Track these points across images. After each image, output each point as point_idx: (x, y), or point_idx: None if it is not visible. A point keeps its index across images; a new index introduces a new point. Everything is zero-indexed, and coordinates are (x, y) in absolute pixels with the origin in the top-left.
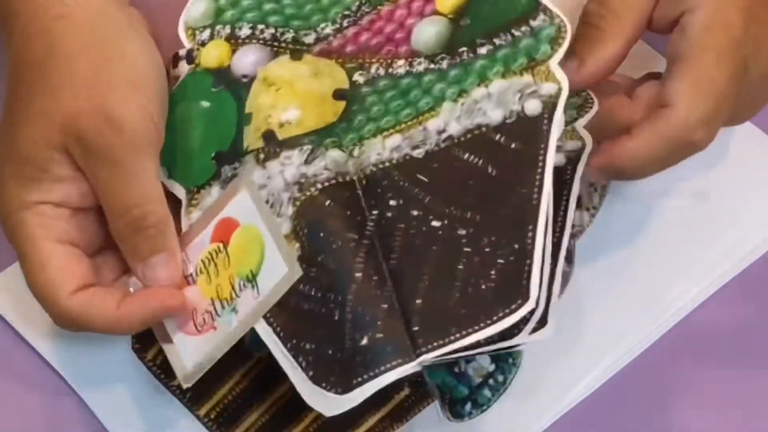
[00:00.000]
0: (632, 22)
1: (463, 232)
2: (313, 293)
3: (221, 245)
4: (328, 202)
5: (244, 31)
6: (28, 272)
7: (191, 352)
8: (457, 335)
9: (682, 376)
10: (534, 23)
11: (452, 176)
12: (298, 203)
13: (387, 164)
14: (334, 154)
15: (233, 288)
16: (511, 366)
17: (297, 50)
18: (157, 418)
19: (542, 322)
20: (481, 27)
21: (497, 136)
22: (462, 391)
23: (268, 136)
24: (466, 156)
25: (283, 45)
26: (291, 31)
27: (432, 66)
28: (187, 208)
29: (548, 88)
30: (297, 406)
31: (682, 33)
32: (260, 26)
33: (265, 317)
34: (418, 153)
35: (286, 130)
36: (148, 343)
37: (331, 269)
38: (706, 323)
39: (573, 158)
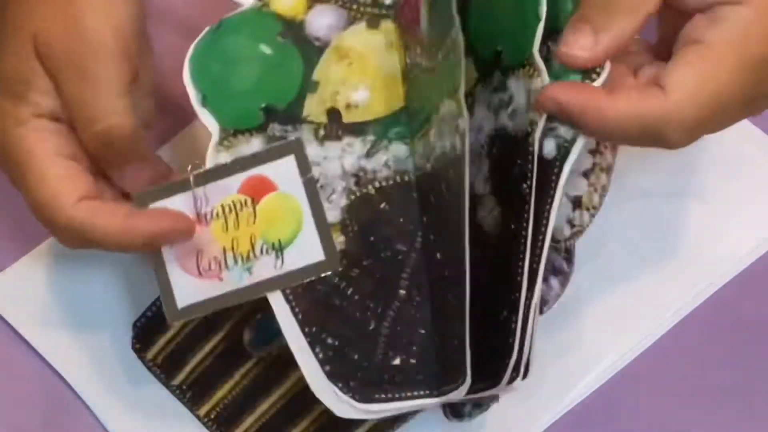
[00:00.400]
0: None
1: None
2: (350, 293)
3: (249, 200)
4: (383, 205)
5: None
6: (30, 188)
7: (187, 292)
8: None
9: (682, 376)
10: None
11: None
12: (353, 197)
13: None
14: (397, 148)
15: (253, 248)
16: None
17: (374, 16)
18: (157, 418)
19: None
20: (436, 34)
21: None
22: None
23: (334, 115)
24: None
25: (362, 8)
26: None
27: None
28: (216, 146)
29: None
30: (297, 406)
31: (713, 21)
32: None
33: (284, 293)
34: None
35: (352, 113)
36: (148, 343)
37: (376, 278)
38: (705, 323)
39: (563, 153)
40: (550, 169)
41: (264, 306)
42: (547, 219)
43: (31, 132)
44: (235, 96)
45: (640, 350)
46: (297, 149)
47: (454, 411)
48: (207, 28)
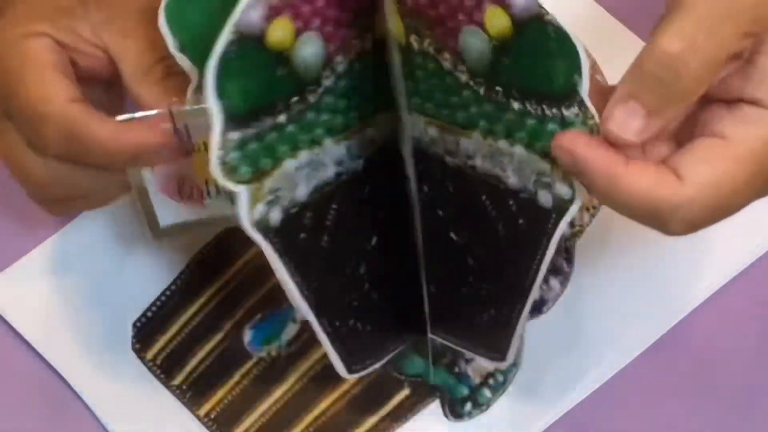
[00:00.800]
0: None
1: (471, 261)
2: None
3: None
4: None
5: None
6: (29, 84)
7: (169, 213)
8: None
9: (682, 376)
10: (566, 113)
11: (472, 206)
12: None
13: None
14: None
15: None
16: (511, 366)
17: None
18: (157, 418)
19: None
20: (518, 79)
21: (511, 202)
22: (462, 390)
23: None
24: (484, 198)
25: None
26: None
27: (471, 83)
28: (195, 89)
29: (563, 189)
30: (297, 406)
31: (738, 119)
32: None
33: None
34: (451, 162)
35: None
36: (148, 343)
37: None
38: (705, 323)
39: (559, 208)
40: (545, 218)
41: (264, 306)
42: (538, 267)
43: (39, 44)
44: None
45: (640, 350)
46: None
47: (454, 411)
48: None
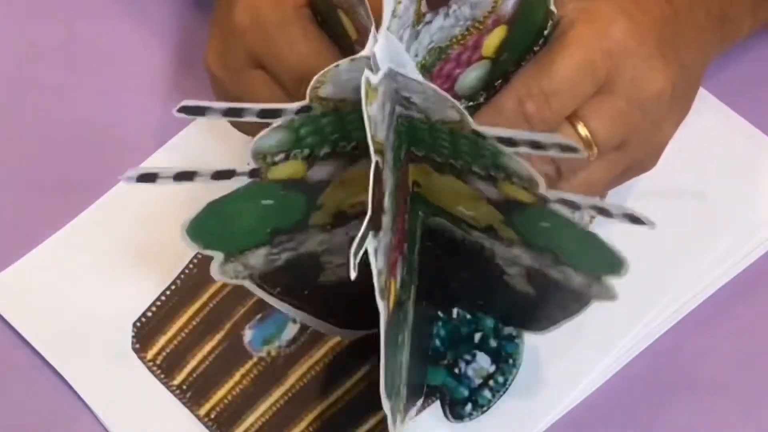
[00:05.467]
0: None
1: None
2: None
3: None
4: None
5: (324, 150)
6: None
7: None
8: None
9: (682, 376)
10: (546, 33)
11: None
12: None
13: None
14: None
15: None
16: (511, 367)
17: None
18: (157, 418)
19: None
20: (515, 55)
21: None
22: (462, 392)
23: (339, 215)
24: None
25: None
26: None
27: (471, 104)
28: (221, 265)
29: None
30: (297, 406)
31: None
32: (342, 143)
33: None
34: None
35: (357, 208)
36: (148, 343)
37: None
38: (705, 323)
39: None
40: None
41: (264, 306)
42: None
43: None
44: (238, 235)
45: (639, 350)
46: None
47: (454, 412)
48: (202, 208)
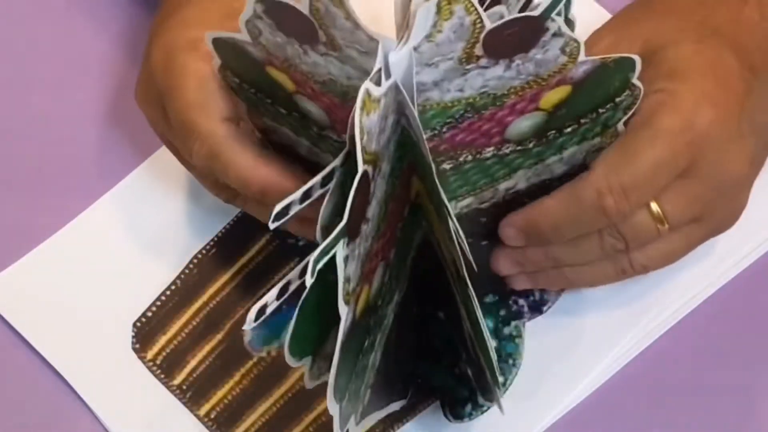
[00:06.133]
0: None
1: None
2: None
3: None
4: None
5: None
6: (188, 89)
7: None
8: None
9: (682, 376)
10: (618, 99)
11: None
12: None
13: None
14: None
15: None
16: (511, 367)
17: None
18: (157, 418)
19: None
20: (575, 113)
21: (558, 183)
22: (462, 392)
23: None
24: (526, 201)
25: None
26: None
27: (519, 148)
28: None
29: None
30: (297, 406)
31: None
32: None
33: None
34: (485, 205)
35: None
36: (148, 343)
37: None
38: (705, 323)
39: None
40: None
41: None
42: None
43: (204, 52)
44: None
45: (639, 350)
46: None
47: (454, 412)
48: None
